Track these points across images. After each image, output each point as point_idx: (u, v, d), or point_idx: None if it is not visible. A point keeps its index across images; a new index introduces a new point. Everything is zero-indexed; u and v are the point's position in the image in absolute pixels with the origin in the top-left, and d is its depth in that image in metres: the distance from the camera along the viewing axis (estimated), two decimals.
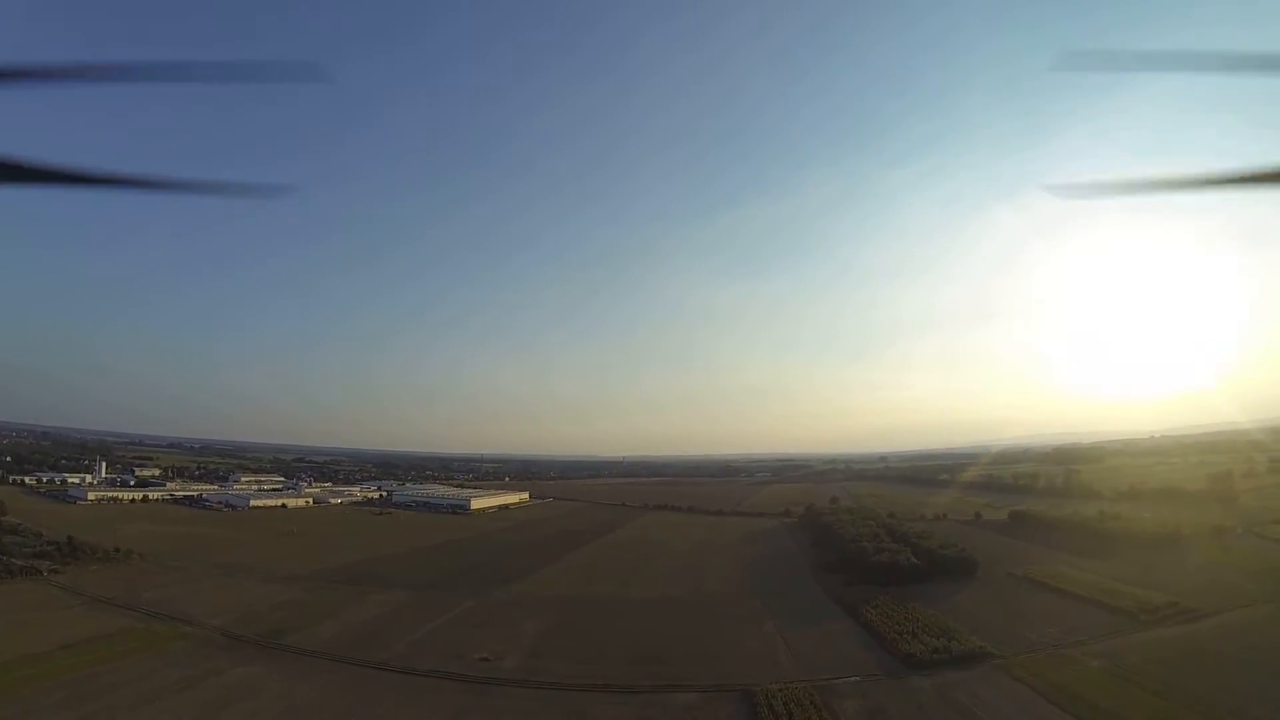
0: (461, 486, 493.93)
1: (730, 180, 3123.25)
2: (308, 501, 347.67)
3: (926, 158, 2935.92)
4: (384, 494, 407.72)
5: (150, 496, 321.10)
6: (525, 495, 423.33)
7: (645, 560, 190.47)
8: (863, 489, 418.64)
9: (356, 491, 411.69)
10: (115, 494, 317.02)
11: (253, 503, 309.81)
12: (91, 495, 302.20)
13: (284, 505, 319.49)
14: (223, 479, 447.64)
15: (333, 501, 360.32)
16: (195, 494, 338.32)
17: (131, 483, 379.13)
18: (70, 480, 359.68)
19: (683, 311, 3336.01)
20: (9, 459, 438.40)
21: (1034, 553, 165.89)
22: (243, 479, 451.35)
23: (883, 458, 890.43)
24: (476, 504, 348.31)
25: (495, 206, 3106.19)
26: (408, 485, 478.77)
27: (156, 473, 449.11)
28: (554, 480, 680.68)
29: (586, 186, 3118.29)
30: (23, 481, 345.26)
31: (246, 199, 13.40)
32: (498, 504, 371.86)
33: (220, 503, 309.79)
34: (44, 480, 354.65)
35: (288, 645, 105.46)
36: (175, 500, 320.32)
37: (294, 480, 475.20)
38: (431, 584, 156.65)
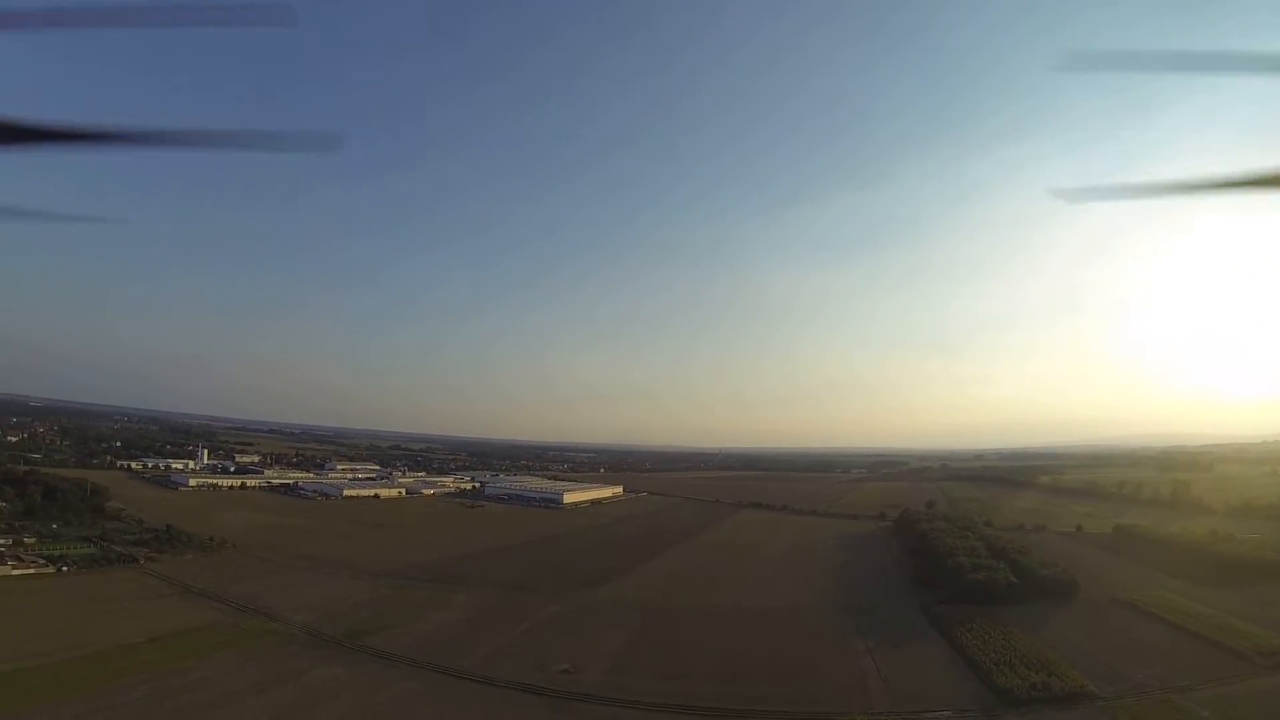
0: (555, 479, 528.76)
1: (807, 169, 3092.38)
2: (400, 492, 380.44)
3: (1013, 144, 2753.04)
4: (476, 485, 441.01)
5: (248, 484, 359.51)
6: (619, 489, 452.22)
7: (736, 566, 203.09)
8: (959, 490, 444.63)
9: (449, 482, 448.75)
10: (214, 480, 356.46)
11: (346, 493, 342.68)
12: (192, 482, 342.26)
13: (377, 495, 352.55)
14: (319, 467, 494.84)
15: (425, 492, 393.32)
16: (291, 482, 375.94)
17: (231, 469, 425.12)
18: (174, 466, 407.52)
19: (764, 303, 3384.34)
20: (118, 444, 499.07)
21: (1139, 574, 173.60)
22: (338, 467, 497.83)
23: (979, 455, 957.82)
24: (569, 498, 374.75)
25: (569, 197, 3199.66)
26: (501, 476, 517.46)
27: (256, 459, 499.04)
28: (648, 473, 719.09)
29: (661, 177, 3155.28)
30: (129, 466, 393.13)
31: (289, 152, 15.65)
32: (590, 498, 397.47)
33: (315, 491, 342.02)
34: (149, 465, 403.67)
35: (369, 647, 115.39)
36: (271, 488, 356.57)
37: (388, 469, 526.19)
38: (518, 585, 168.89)
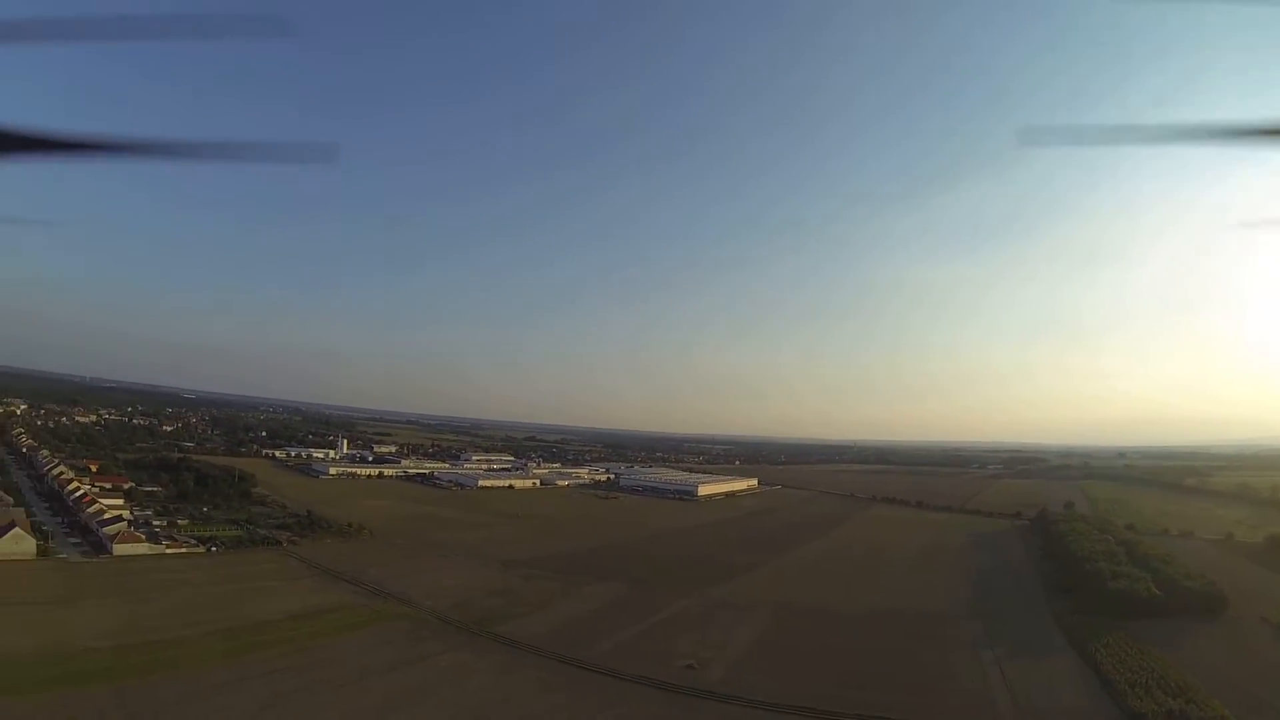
0: (691, 471, 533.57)
1: (942, 158, 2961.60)
2: (535, 483, 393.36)
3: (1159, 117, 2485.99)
4: (611, 477, 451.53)
5: (385, 473, 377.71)
6: (754, 482, 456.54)
7: (866, 564, 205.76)
8: (1100, 491, 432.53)
9: (584, 473, 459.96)
10: (353, 469, 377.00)
11: (481, 483, 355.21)
12: (333, 470, 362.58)
13: (511, 486, 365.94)
14: (455, 457, 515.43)
15: (559, 483, 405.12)
16: (427, 472, 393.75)
17: (370, 459, 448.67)
18: (315, 455, 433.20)
19: (898, 293, 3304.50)
20: (264, 434, 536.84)
21: None
22: (474, 458, 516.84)
23: (1121, 453, 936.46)
24: (704, 490, 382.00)
25: (711, 188, 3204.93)
26: (636, 468, 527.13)
27: (393, 449, 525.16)
28: (783, 465, 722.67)
29: (796, 168, 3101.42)
30: (274, 455, 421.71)
31: (286, 163, 15.84)
32: (725, 491, 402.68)
33: (450, 481, 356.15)
34: (292, 454, 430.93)
35: (498, 634, 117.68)
36: (408, 477, 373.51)
37: (522, 460, 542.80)
38: (648, 577, 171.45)
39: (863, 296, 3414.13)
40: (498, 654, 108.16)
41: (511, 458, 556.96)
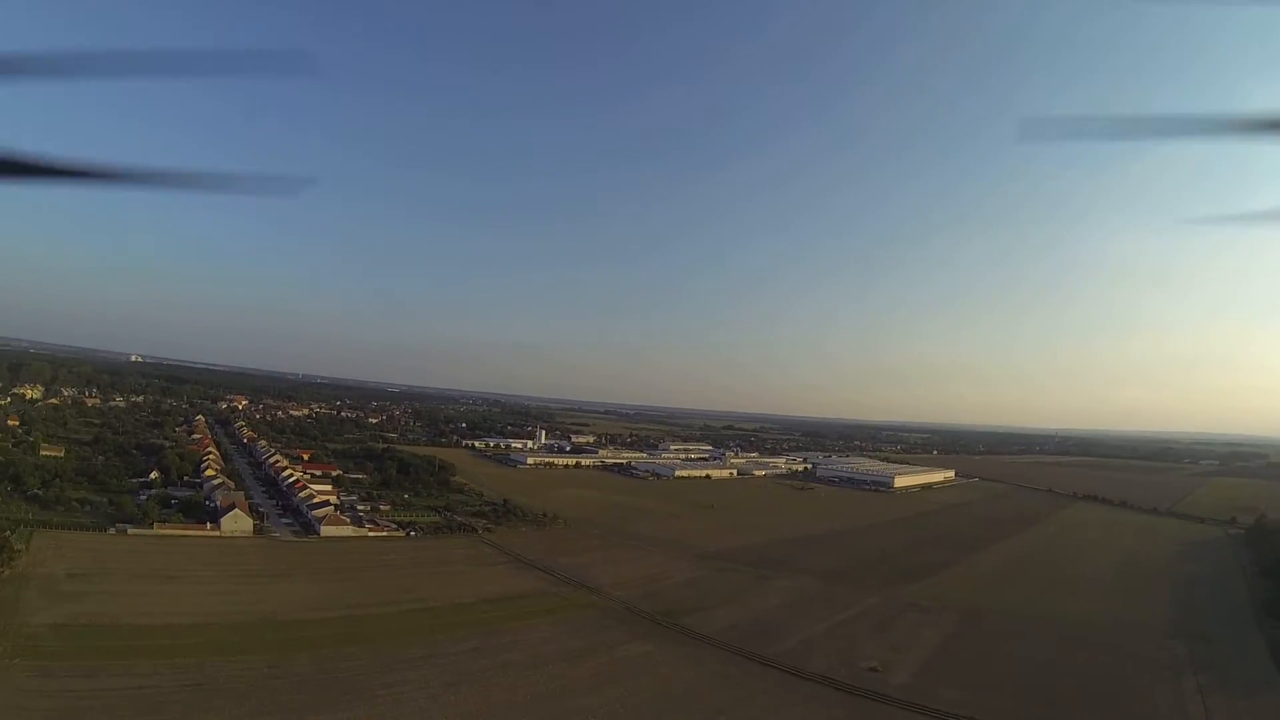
0: (888, 460, 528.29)
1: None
2: (731, 473, 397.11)
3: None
4: (808, 467, 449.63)
5: (582, 463, 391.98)
6: (950, 473, 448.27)
7: (1062, 569, 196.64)
8: None
9: (781, 463, 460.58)
10: (550, 459, 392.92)
11: (677, 473, 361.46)
12: (530, 460, 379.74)
13: (708, 476, 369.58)
14: (652, 447, 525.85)
15: (756, 473, 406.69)
16: (624, 461, 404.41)
17: (567, 448, 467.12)
18: (513, 445, 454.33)
19: (1100, 269, 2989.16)
20: (464, 425, 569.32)
21: None
22: (671, 447, 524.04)
23: None
24: (900, 482, 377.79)
25: (901, 166, 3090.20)
26: (833, 458, 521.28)
27: (591, 439, 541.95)
28: (981, 455, 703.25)
29: (994, 135, 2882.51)
30: (473, 445, 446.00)
31: (262, 194, 15.56)
32: (921, 483, 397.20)
33: (647, 471, 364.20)
34: (490, 445, 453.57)
35: (683, 627, 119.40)
36: (605, 467, 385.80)
37: (720, 450, 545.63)
38: (838, 574, 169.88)
39: (1063, 274, 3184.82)
40: (682, 646, 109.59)
41: (709, 447, 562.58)
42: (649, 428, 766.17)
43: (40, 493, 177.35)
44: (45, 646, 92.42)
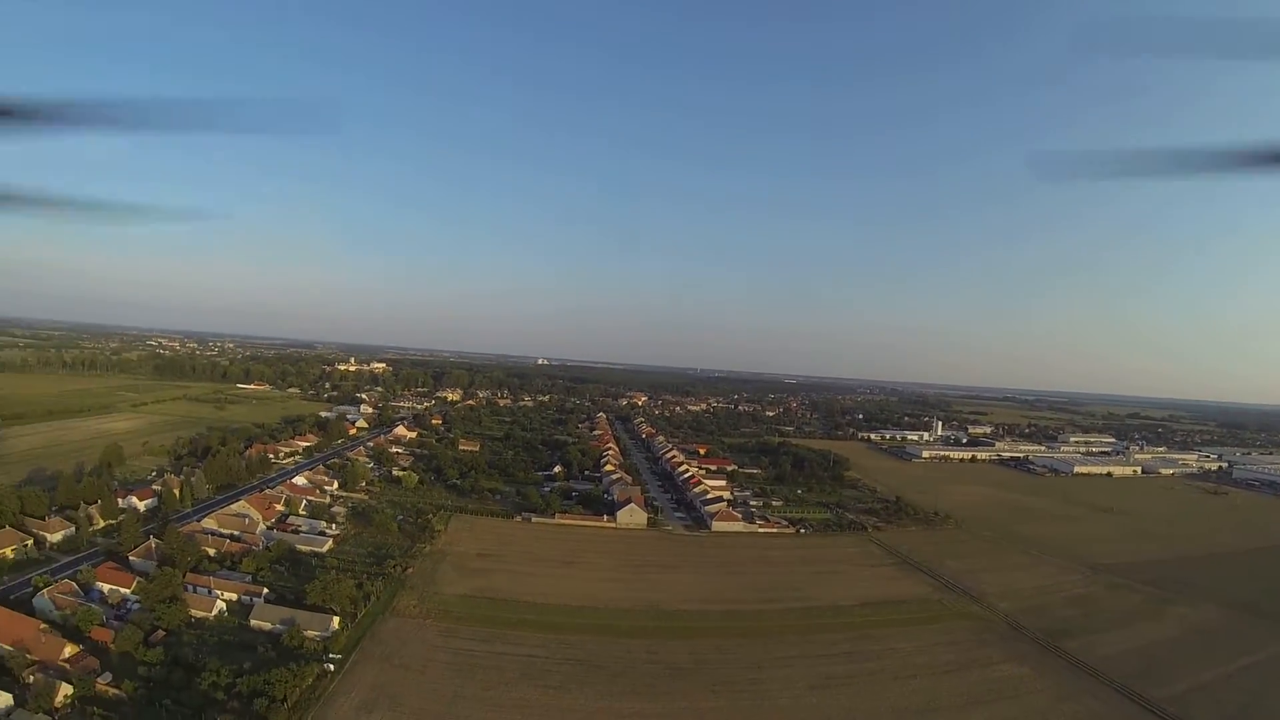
0: None
1: None
2: (1135, 471, 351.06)
3: None
4: (1223, 466, 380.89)
5: (977, 457, 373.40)
6: None
7: None
8: None
9: (1192, 460, 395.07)
10: (945, 453, 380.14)
11: (1076, 469, 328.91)
12: (925, 454, 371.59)
13: (1109, 474, 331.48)
14: (1051, 439, 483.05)
15: (1162, 472, 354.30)
16: (1021, 455, 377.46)
17: (963, 440, 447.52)
18: (909, 438, 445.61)
19: None
20: (860, 416, 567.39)
21: None
22: (1071, 440, 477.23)
23: None
24: None
25: None
26: (1253, 455, 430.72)
27: (987, 430, 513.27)
28: None
29: None
30: (868, 438, 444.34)
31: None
32: None
33: (1044, 467, 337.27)
34: (886, 437, 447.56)
35: (1064, 651, 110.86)
36: (1001, 461, 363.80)
37: (1123, 443, 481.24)
38: (1248, 605, 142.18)
39: None
40: (1059, 673, 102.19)
41: (1112, 440, 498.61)
42: (1048, 417, 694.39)
43: (458, 482, 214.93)
44: (453, 612, 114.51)
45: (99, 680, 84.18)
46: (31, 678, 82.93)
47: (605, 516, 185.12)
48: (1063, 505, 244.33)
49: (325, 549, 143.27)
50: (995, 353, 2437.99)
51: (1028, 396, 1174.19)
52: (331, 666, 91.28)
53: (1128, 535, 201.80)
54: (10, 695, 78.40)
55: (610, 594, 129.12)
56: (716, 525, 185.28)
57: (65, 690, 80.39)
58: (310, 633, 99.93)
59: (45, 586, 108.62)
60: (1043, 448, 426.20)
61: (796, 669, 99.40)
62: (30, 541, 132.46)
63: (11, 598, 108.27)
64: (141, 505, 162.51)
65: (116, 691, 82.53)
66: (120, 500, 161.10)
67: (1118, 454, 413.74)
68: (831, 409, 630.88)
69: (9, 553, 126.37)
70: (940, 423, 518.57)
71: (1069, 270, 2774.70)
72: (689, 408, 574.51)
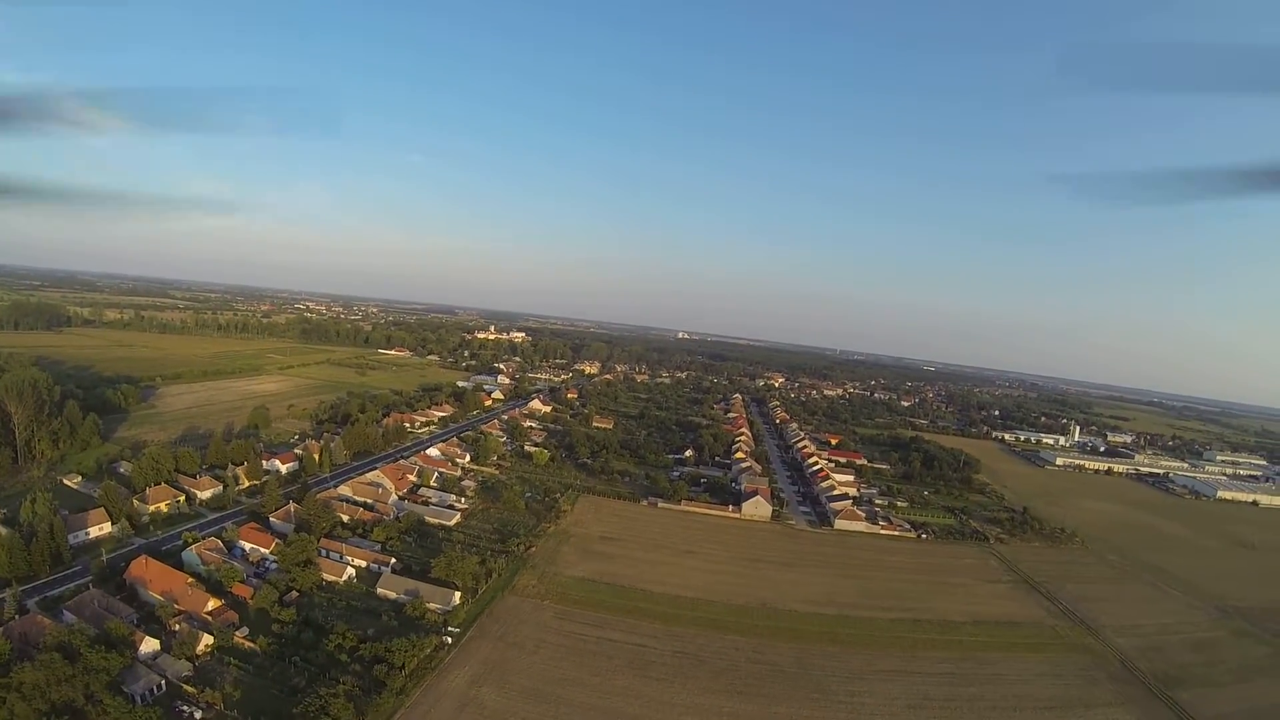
0: None
1: None
2: None
3: None
4: None
5: (1114, 469, 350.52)
6: None
7: None
8: None
9: None
10: (1080, 461, 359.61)
11: (1220, 493, 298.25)
12: (1059, 460, 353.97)
13: (1255, 502, 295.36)
14: (1196, 455, 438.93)
15: None
16: (1161, 471, 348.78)
17: (1101, 449, 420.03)
18: (1044, 441, 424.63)
19: None
20: (996, 413, 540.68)
21: None
22: (1217, 458, 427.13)
23: None
24: None
25: None
26: None
27: (1127, 440, 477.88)
28: None
29: None
30: (1002, 439, 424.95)
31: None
32: None
33: (1184, 487, 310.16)
34: (1020, 439, 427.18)
35: (1174, 701, 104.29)
36: (1139, 476, 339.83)
37: (1276, 467, 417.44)
38: None
39: None
40: None
41: (1263, 462, 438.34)
42: (1195, 428, 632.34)
43: (589, 462, 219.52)
44: (570, 595, 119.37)
45: (237, 633, 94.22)
46: (177, 626, 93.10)
47: (731, 506, 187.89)
48: (1200, 533, 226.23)
49: (453, 522, 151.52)
50: (1142, 354, 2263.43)
51: (1175, 402, 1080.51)
52: (449, 640, 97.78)
53: (1266, 576, 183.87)
54: (158, 641, 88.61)
55: (725, 588, 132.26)
56: (839, 523, 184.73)
57: (207, 640, 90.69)
58: (432, 605, 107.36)
59: (193, 542, 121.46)
60: (1185, 465, 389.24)
61: (896, 685, 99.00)
62: (183, 498, 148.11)
63: (163, 549, 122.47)
64: (284, 468, 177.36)
65: (252, 645, 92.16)
66: (265, 463, 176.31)
67: (1270, 480, 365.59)
68: (967, 403, 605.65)
69: (164, 507, 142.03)
70: (1078, 427, 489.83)
71: (1224, 267, 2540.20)
72: (825, 392, 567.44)
